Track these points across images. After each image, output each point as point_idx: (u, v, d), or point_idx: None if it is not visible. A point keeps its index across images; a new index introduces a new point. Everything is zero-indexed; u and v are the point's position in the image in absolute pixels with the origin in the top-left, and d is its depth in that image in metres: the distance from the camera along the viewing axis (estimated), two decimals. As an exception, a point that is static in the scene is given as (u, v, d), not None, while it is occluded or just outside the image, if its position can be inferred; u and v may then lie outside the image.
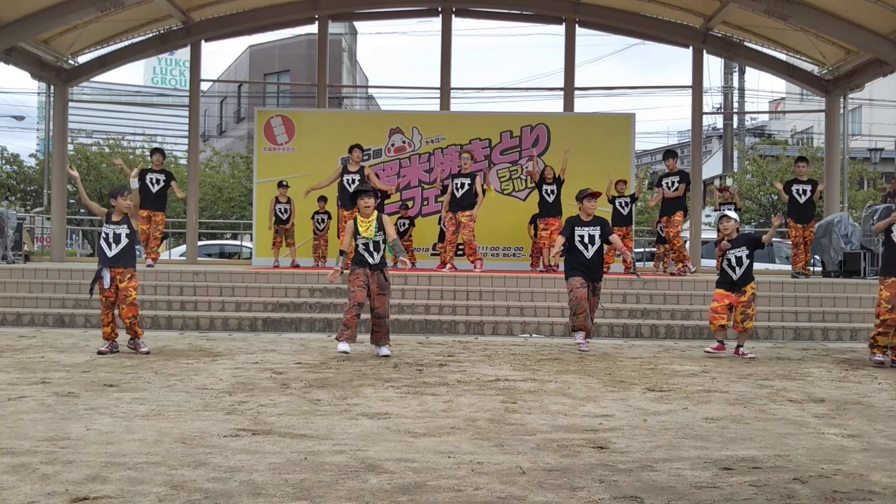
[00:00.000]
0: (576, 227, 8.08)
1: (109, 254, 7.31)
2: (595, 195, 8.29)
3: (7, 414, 4.58)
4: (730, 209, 13.00)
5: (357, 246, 7.39)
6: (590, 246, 8.01)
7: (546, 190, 12.19)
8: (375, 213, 7.45)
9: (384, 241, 7.35)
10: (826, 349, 8.55)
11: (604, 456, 3.85)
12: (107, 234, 7.37)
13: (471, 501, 3.13)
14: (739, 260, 7.81)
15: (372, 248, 7.34)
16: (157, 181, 11.94)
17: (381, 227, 7.39)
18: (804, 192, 12.30)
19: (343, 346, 7.09)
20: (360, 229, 7.38)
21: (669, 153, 12.94)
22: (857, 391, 5.86)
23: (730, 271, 7.85)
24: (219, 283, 10.37)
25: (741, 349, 7.80)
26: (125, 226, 7.39)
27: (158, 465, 3.55)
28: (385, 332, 7.40)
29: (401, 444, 4.02)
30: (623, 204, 12.57)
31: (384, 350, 7.34)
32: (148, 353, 7.23)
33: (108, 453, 3.74)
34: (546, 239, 12.26)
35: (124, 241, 7.35)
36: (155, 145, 13.60)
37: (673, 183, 12.18)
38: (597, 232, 8.05)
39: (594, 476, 3.50)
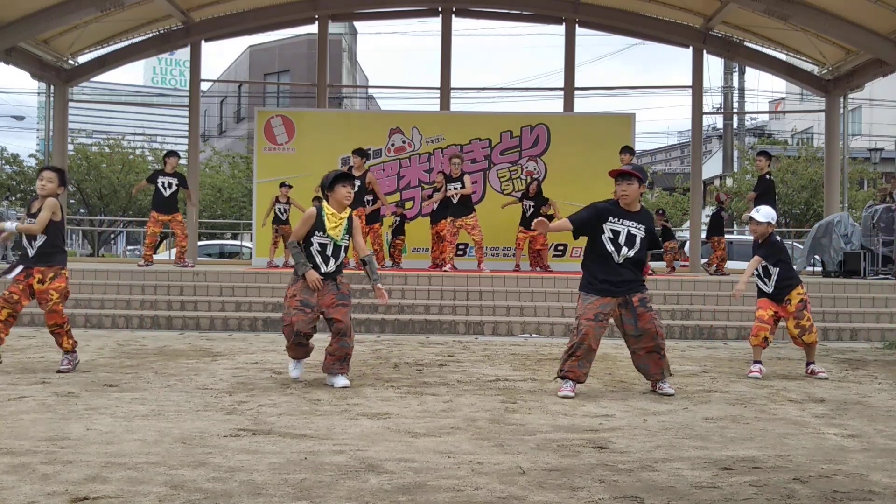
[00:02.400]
0: (610, 218, 5.50)
1: (30, 252, 6.07)
2: (634, 176, 5.50)
3: (7, 414, 4.57)
4: (714, 211, 13.03)
5: (310, 244, 5.64)
6: (624, 248, 5.46)
7: (525, 204, 12.46)
8: (348, 210, 5.72)
9: (346, 250, 5.74)
10: (826, 349, 8.54)
11: (604, 456, 3.85)
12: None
13: (471, 501, 3.13)
14: (766, 270, 6.69)
15: (330, 253, 5.64)
16: (170, 185, 11.96)
17: (350, 230, 5.71)
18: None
19: (296, 372, 5.87)
20: (326, 224, 5.60)
21: (626, 148, 11.80)
22: (857, 391, 5.86)
23: (760, 284, 6.75)
24: (219, 283, 10.37)
25: (812, 367, 6.60)
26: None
27: (158, 465, 3.55)
28: (341, 356, 5.63)
29: (401, 444, 4.02)
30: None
31: (340, 380, 5.61)
32: (67, 371, 6.05)
33: (108, 453, 3.74)
34: (521, 241, 12.49)
35: (41, 236, 6.03)
36: (167, 147, 13.71)
37: None
38: (640, 232, 5.51)
39: (594, 476, 3.50)
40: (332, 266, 5.67)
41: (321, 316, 5.72)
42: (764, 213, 6.71)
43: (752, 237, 7.14)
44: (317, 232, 5.61)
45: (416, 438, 4.14)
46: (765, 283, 6.68)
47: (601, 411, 4.93)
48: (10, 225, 6.13)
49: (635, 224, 5.51)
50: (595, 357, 5.61)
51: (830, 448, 4.08)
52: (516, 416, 4.75)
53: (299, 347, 5.78)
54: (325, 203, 5.71)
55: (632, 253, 5.48)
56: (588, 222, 5.55)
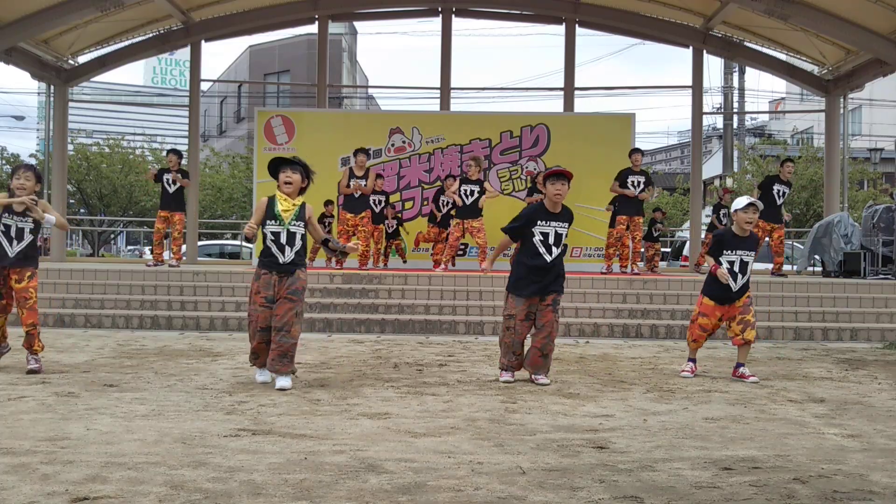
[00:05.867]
0: (539, 222, 5.90)
1: (10, 252, 6.07)
2: (565, 175, 5.92)
3: (7, 414, 4.58)
4: (725, 212, 13.14)
5: (265, 236, 5.60)
6: (554, 248, 5.91)
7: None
8: (301, 198, 5.73)
9: (303, 238, 5.67)
10: (826, 349, 8.55)
11: (604, 456, 3.85)
12: (7, 227, 6.06)
13: (471, 501, 3.13)
14: (745, 266, 6.20)
15: (285, 241, 5.56)
16: (173, 182, 12.08)
17: (302, 217, 5.65)
18: (783, 193, 11.94)
19: (262, 377, 5.74)
20: (277, 206, 5.60)
21: (637, 150, 12.07)
22: (857, 391, 5.86)
23: (729, 280, 6.17)
24: (219, 283, 10.37)
25: (742, 369, 6.27)
26: (31, 219, 6.13)
27: (158, 465, 3.55)
28: (282, 353, 5.49)
29: (401, 444, 4.02)
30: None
31: (281, 380, 5.49)
32: (37, 371, 6.04)
33: (108, 453, 3.74)
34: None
35: (28, 237, 6.14)
36: (168, 146, 13.87)
37: (639, 182, 11.63)
38: (564, 230, 5.95)
39: (594, 476, 3.50)
40: (289, 255, 5.59)
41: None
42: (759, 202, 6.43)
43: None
44: (269, 221, 5.60)
45: (416, 438, 4.14)
46: (733, 281, 6.18)
47: (601, 411, 4.93)
48: (51, 218, 6.14)
49: (560, 223, 5.95)
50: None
51: (830, 448, 4.08)
52: (516, 416, 4.75)
53: (265, 346, 5.64)
54: (277, 192, 5.70)
55: (558, 251, 5.94)
56: (525, 224, 5.99)
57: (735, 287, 6.20)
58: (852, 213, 19.66)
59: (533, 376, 5.98)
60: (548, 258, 5.90)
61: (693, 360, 6.51)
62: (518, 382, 5.94)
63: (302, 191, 5.75)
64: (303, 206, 5.71)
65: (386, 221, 13.28)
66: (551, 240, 5.89)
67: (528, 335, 6.09)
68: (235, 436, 4.13)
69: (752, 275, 6.44)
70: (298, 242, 5.64)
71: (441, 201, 12.45)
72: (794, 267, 15.26)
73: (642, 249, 12.80)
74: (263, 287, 5.59)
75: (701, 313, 6.39)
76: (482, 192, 11.41)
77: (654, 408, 5.06)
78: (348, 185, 11.46)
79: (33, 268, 6.20)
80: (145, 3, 13.46)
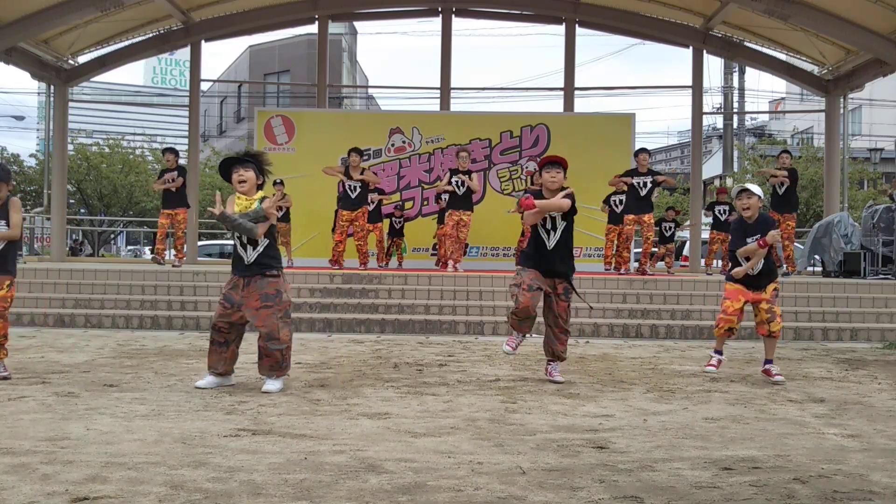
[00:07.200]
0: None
1: None
2: (558, 162, 5.96)
3: (7, 414, 4.57)
4: (725, 209, 13.11)
5: (235, 237, 5.52)
6: (552, 233, 5.88)
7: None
8: (260, 193, 5.51)
9: (269, 235, 5.50)
10: (826, 349, 8.54)
11: (604, 456, 3.85)
12: None
13: (471, 501, 3.13)
14: None
15: (247, 241, 5.41)
16: (174, 180, 12.07)
17: (259, 214, 5.41)
18: (782, 183, 11.86)
19: (202, 382, 5.49)
20: (235, 209, 5.44)
21: (643, 150, 12.11)
22: (857, 391, 5.86)
23: (746, 267, 6.16)
24: (219, 283, 10.35)
25: (768, 366, 6.20)
26: (2, 221, 5.72)
27: (158, 465, 3.55)
28: (276, 360, 5.41)
29: (401, 444, 4.02)
30: (617, 203, 12.41)
31: (271, 384, 5.39)
32: (6, 377, 5.69)
33: (108, 453, 3.74)
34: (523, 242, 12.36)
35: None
36: (166, 146, 13.92)
37: (645, 184, 11.60)
38: (558, 214, 5.86)
39: (594, 476, 3.50)
40: (252, 254, 5.40)
41: (245, 317, 5.47)
42: (756, 187, 6.27)
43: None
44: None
45: (416, 438, 4.14)
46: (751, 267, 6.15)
47: (601, 411, 4.93)
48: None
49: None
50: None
51: (830, 448, 4.08)
52: (516, 416, 4.75)
53: (214, 350, 5.52)
54: (236, 194, 5.52)
55: (557, 236, 5.88)
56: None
57: (753, 273, 6.18)
58: (852, 213, 19.66)
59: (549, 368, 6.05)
60: (548, 243, 5.89)
61: (719, 352, 6.47)
62: (518, 382, 5.95)
63: (259, 187, 5.54)
64: (261, 200, 5.44)
65: (393, 219, 13.29)
66: (549, 225, 5.89)
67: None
68: (235, 436, 4.13)
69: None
70: (263, 241, 5.43)
71: (441, 196, 12.41)
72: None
73: (654, 250, 12.80)
74: (228, 288, 5.49)
75: (725, 297, 6.32)
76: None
77: (654, 408, 5.06)
78: (344, 184, 11.43)
79: (10, 276, 5.73)
80: (145, 3, 13.47)
